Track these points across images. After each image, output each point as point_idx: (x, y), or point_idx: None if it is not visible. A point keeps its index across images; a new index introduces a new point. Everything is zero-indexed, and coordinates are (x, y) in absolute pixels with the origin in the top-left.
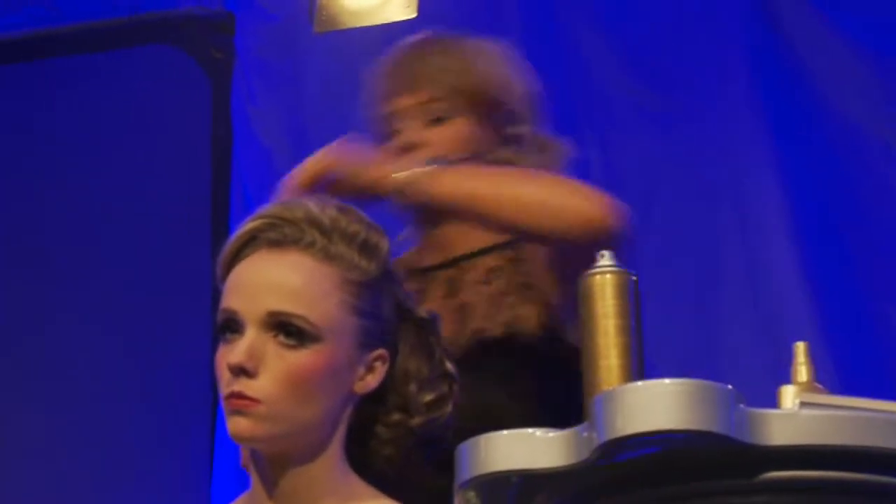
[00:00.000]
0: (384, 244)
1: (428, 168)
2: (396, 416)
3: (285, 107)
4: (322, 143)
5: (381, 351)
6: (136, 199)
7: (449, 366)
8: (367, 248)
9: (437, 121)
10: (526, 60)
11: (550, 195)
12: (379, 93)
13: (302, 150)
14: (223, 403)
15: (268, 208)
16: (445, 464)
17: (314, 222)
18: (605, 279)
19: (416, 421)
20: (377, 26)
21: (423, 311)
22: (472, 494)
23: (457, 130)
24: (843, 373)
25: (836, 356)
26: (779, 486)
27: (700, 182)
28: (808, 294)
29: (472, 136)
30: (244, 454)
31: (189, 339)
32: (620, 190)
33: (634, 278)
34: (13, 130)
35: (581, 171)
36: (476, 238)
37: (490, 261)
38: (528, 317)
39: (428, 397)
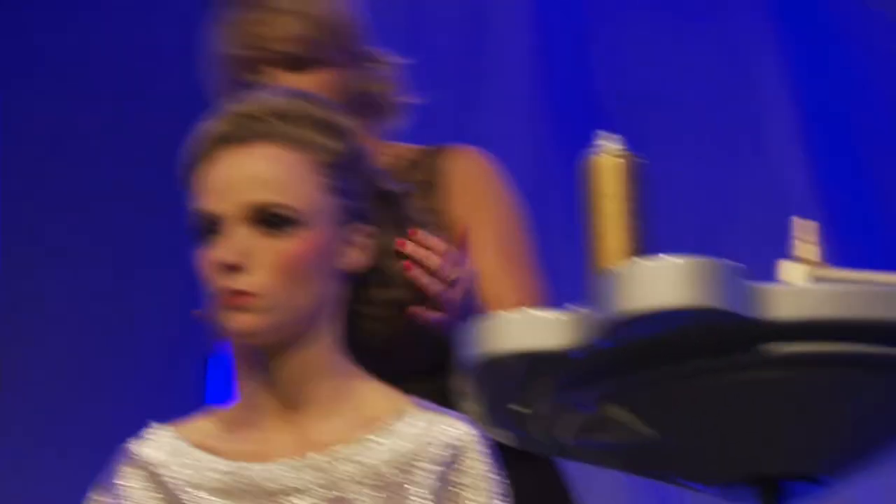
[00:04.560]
0: (349, 123)
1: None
2: (376, 291)
3: None
4: None
5: (362, 226)
6: None
7: None
8: (332, 129)
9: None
10: None
11: None
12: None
13: None
14: (217, 302)
15: (227, 107)
16: (434, 339)
17: (276, 112)
18: (609, 161)
19: (396, 294)
20: None
21: (394, 185)
22: (474, 375)
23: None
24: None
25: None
26: (787, 360)
27: (713, 89)
28: (820, 205)
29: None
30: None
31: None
32: (634, 91)
33: (641, 162)
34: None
35: (585, 85)
36: None
37: None
38: None
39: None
